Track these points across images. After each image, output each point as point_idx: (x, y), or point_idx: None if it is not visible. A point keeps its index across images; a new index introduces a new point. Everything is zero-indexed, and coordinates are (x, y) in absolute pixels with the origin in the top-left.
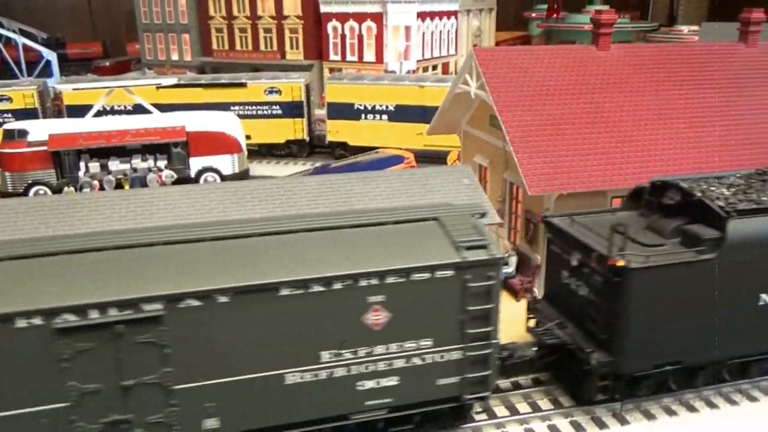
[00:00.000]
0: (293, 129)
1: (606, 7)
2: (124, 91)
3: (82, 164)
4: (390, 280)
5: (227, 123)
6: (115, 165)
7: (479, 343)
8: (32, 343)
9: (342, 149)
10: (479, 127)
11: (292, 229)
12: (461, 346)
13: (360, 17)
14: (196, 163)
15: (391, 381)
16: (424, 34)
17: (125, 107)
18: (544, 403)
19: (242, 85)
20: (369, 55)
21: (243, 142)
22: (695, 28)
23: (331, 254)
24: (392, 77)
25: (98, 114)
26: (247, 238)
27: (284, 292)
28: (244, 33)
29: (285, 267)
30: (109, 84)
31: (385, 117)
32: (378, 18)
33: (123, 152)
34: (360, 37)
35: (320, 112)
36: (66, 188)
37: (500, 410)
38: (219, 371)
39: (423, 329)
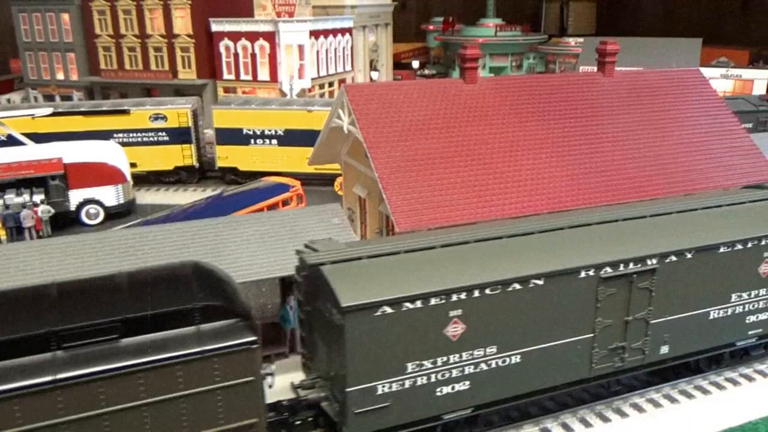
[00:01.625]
0: (181, 155)
1: (499, 20)
2: None
3: None
4: None
5: (108, 152)
6: None
7: None
8: (585, 289)
9: (233, 174)
10: (357, 159)
11: (683, 209)
12: None
13: (252, 36)
14: (76, 196)
15: (764, 315)
16: (318, 52)
17: None
18: None
19: (125, 112)
20: (263, 74)
21: (127, 172)
22: (581, 40)
23: (739, 223)
24: (280, 101)
25: None
26: (664, 216)
27: (721, 250)
28: (134, 52)
29: (721, 231)
30: None
31: (274, 141)
32: (270, 37)
33: None
34: (253, 56)
35: (212, 133)
36: None
37: None
38: (675, 309)
39: None
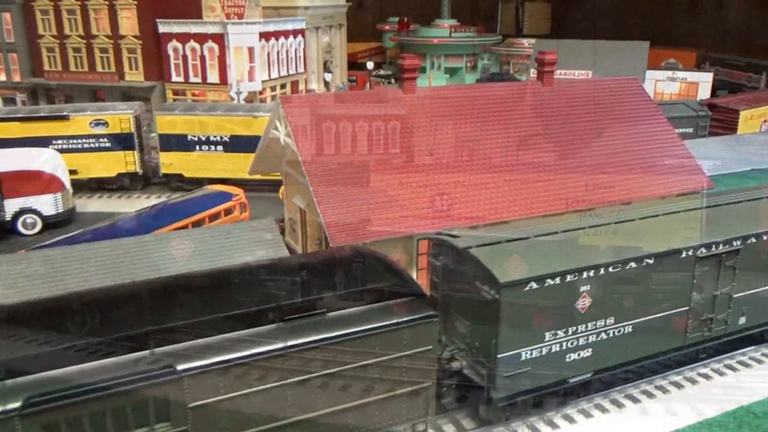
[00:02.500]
0: (124, 162)
1: (454, 21)
2: None
3: None
4: None
5: (46, 160)
6: None
7: None
8: (685, 267)
9: (178, 181)
10: (296, 170)
11: (751, 198)
12: None
13: (201, 38)
14: (11, 206)
15: None
16: (269, 54)
17: None
18: None
19: (64, 117)
20: (213, 76)
21: (66, 180)
22: (534, 41)
23: None
24: (226, 107)
25: None
26: (737, 204)
27: None
28: (79, 53)
29: None
30: None
31: (220, 148)
32: (219, 39)
33: None
34: (202, 59)
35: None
36: None
37: None
38: (752, 285)
39: None
